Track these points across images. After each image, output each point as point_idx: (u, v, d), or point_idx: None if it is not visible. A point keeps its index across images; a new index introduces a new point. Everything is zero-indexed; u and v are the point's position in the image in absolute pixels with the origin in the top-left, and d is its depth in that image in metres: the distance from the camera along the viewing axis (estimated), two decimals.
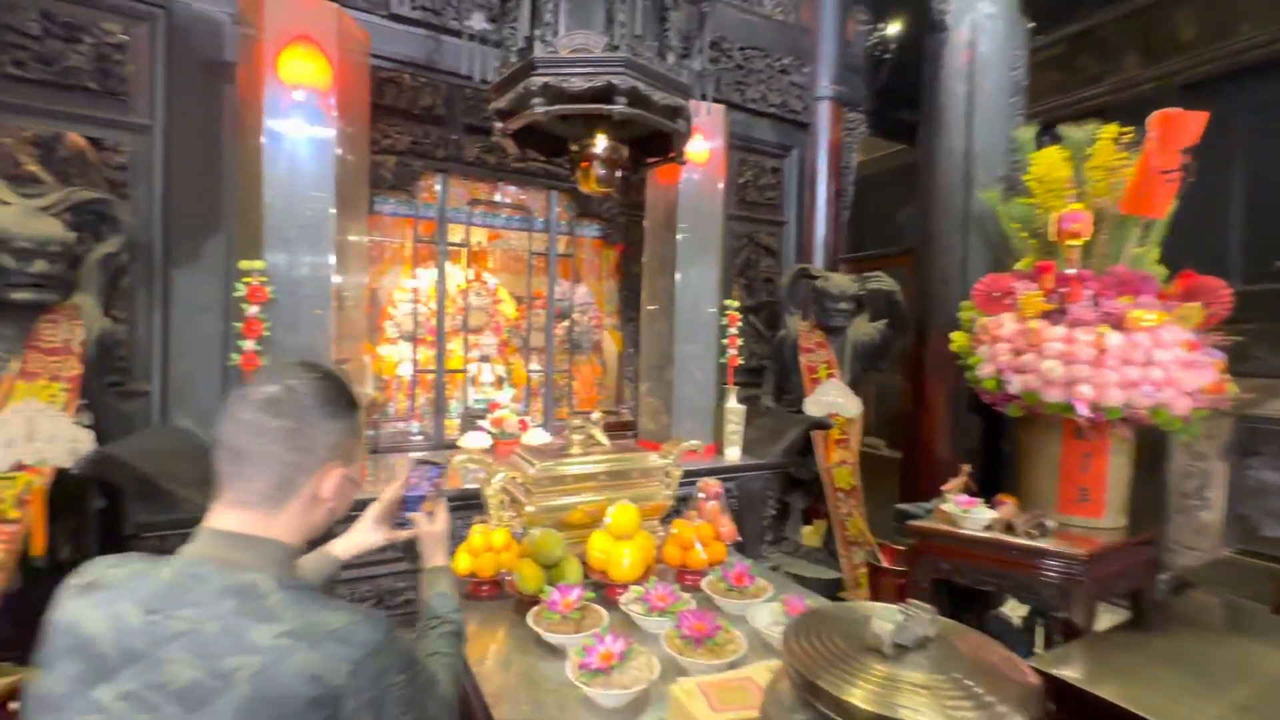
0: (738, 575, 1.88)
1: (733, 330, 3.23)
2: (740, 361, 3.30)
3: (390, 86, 2.91)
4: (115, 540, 2.22)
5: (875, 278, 3.26)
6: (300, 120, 2.29)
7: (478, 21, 1.97)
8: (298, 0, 2.29)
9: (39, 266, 1.90)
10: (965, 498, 2.66)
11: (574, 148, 2.15)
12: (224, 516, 0.85)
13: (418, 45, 2.98)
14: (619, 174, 2.19)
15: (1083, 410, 2.36)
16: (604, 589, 1.93)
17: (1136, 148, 2.44)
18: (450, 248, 3.38)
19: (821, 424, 3.22)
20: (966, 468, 2.90)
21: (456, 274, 3.52)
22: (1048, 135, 2.79)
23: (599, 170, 2.11)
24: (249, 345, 2.16)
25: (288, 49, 2.31)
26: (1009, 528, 2.50)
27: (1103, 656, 2.04)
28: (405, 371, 3.42)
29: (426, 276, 3.39)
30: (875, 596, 3.05)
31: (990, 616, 3.24)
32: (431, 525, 1.25)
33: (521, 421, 3.18)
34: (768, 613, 1.69)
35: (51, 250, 1.92)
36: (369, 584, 2.40)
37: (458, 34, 2.99)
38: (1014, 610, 2.98)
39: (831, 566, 3.50)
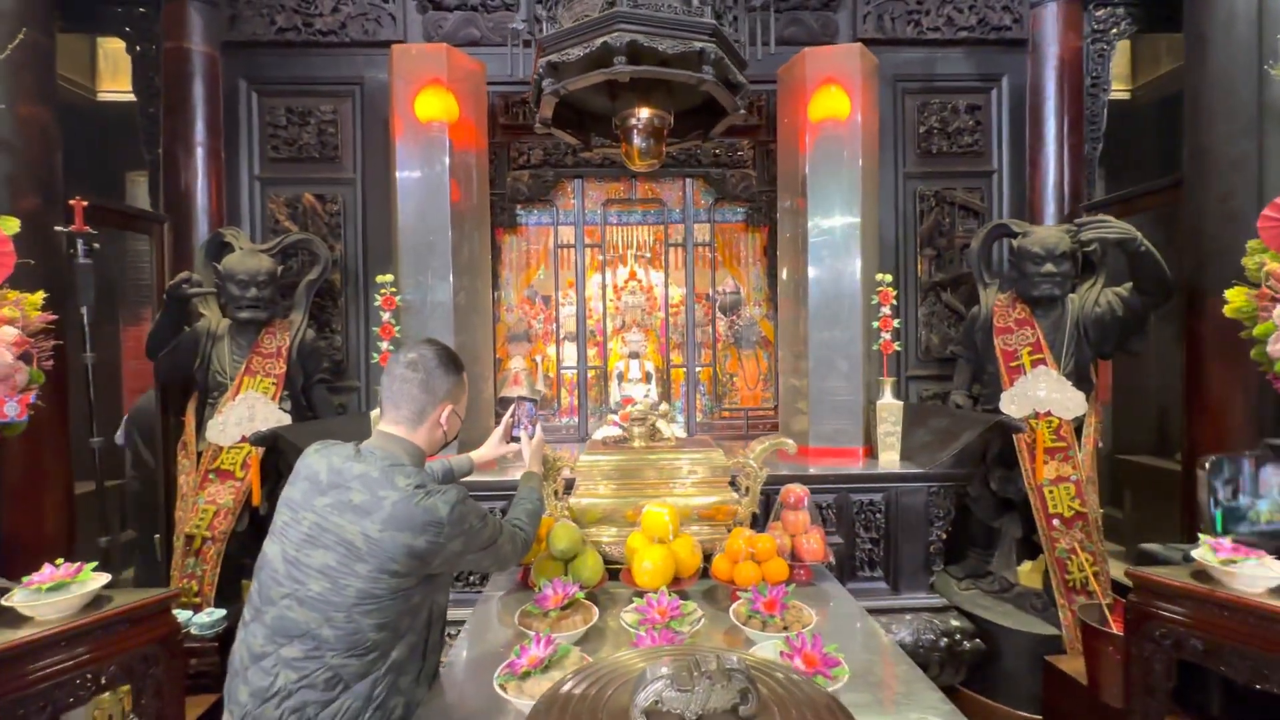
0: (770, 601, 1.53)
1: (885, 310, 2.66)
2: (896, 348, 2.69)
3: (522, 107, 3.18)
4: None
5: (1094, 223, 2.32)
6: (421, 152, 2.67)
7: (516, 24, 2.01)
8: (417, 49, 2.68)
9: (253, 293, 2.57)
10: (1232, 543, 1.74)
11: (615, 123, 2.05)
12: (387, 426, 1.36)
13: None
14: (664, 144, 2.01)
15: None
16: (641, 595, 1.77)
17: None
18: (609, 250, 3.51)
19: (1011, 426, 2.42)
20: None
21: (622, 275, 3.63)
22: None
23: (639, 142, 1.97)
24: (385, 345, 2.58)
25: (420, 94, 2.71)
26: None
27: None
28: (571, 370, 3.67)
29: (595, 281, 3.57)
30: (1095, 672, 2.16)
31: None
32: (529, 441, 1.77)
33: None
34: (770, 649, 1.34)
35: (260, 280, 2.59)
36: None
37: None
38: None
39: (1050, 619, 2.60)
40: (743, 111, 1.94)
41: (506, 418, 1.81)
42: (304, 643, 1.19)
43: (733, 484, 2.05)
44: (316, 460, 1.30)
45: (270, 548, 1.28)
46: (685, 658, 0.76)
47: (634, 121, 1.94)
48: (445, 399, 1.38)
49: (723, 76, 1.77)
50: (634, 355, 3.66)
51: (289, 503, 1.29)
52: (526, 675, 1.23)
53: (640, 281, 3.77)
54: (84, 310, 2.09)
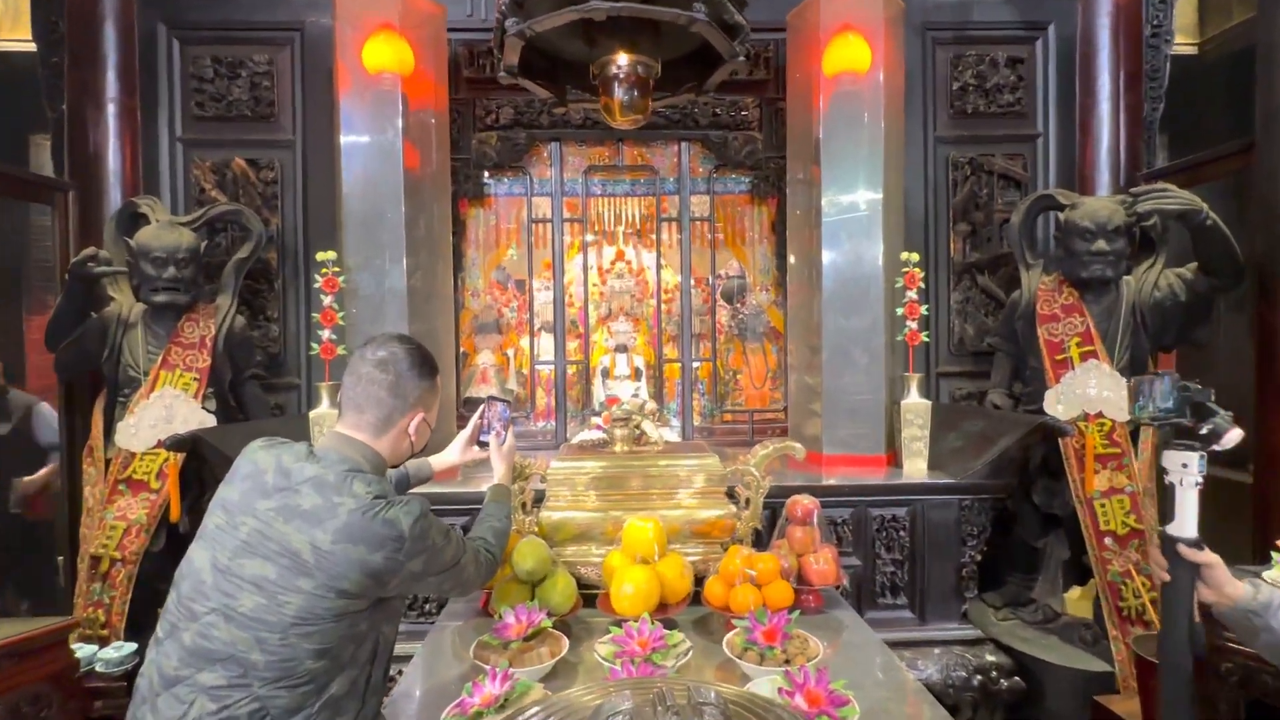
0: (770, 631, 1.52)
1: (911, 295, 2.65)
2: (924, 339, 2.68)
3: (489, 58, 3.14)
4: None
5: (1153, 193, 2.32)
6: (370, 110, 2.65)
7: None
8: None
9: (171, 272, 2.54)
10: None
11: (594, 71, 2.02)
12: (346, 429, 1.36)
13: None
14: (651, 97, 1.99)
15: None
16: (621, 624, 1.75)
17: None
18: (592, 226, 3.49)
19: (1055, 429, 2.42)
20: None
21: (608, 255, 3.61)
22: None
23: (620, 94, 1.95)
24: (326, 335, 2.55)
25: (369, 41, 2.68)
26: None
27: None
28: (548, 366, 3.63)
29: (576, 262, 3.53)
30: (1151, 713, 2.15)
31: None
32: (500, 448, 1.75)
33: None
34: (768, 686, 1.32)
35: (180, 257, 2.56)
36: None
37: None
38: None
39: (1102, 653, 2.60)
40: (742, 60, 1.91)
41: (475, 419, 1.79)
42: (228, 668, 1.17)
43: (731, 495, 2.04)
44: (263, 458, 1.29)
45: (197, 554, 1.25)
46: (652, 691, 0.74)
47: (614, 70, 1.92)
48: (416, 405, 1.38)
49: (717, 16, 1.75)
50: (621, 349, 3.64)
51: (225, 504, 1.28)
52: (479, 716, 1.21)
53: (629, 263, 3.74)
54: None
